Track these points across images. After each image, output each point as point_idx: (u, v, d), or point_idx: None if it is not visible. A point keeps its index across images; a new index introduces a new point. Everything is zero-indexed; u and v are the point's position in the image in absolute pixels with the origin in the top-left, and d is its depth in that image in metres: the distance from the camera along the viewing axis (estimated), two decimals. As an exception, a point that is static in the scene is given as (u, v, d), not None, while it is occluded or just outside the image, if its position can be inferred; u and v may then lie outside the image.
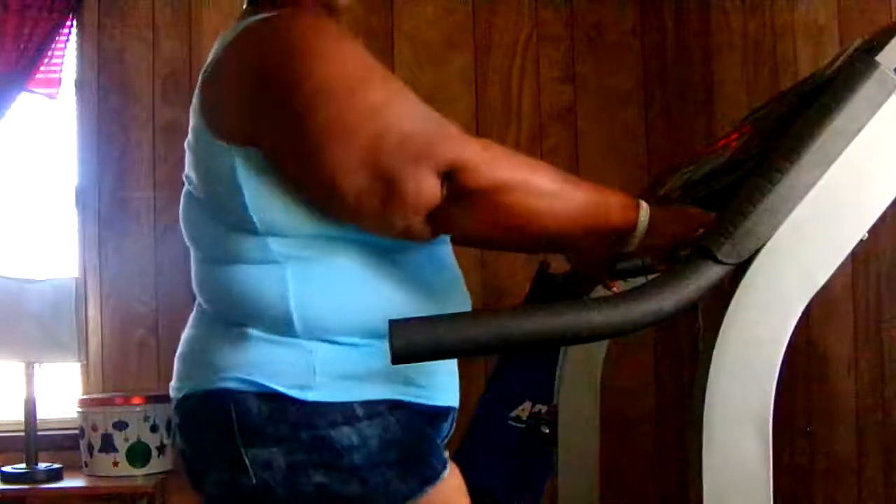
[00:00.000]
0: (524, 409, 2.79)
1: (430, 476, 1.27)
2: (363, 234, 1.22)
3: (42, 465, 2.96)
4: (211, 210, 1.28)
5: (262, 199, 1.21)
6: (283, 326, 1.23)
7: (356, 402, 1.23)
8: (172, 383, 1.34)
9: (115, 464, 2.94)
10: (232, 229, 1.25)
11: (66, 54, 3.25)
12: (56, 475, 2.94)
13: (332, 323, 1.23)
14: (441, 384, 1.32)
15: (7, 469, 2.95)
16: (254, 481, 1.22)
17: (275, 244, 1.23)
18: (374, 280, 1.25)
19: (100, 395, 3.11)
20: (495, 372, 2.94)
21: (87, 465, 2.99)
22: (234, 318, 1.26)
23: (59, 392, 3.25)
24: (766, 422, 1.10)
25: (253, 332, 1.24)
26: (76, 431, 3.02)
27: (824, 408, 2.69)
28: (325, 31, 1.20)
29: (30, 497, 2.90)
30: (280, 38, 1.20)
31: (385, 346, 1.21)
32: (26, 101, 3.24)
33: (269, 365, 1.22)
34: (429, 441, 1.30)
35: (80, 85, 3.31)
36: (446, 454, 1.32)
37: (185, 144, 1.31)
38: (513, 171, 1.16)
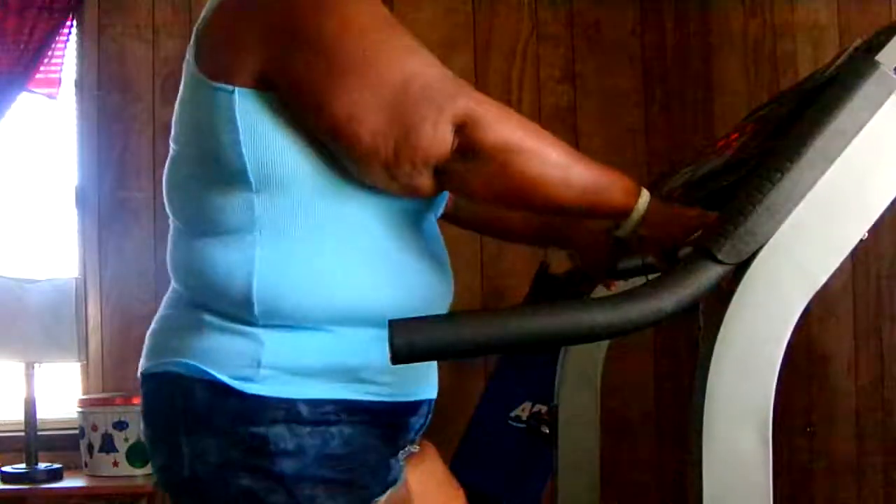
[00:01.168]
0: (524, 409, 2.79)
1: (364, 498, 1.23)
2: (353, 198, 1.20)
3: (42, 465, 2.96)
4: (197, 170, 1.25)
5: (259, 144, 1.18)
6: (240, 309, 1.20)
7: (301, 400, 1.19)
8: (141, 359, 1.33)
9: (115, 464, 2.94)
10: (217, 189, 1.21)
11: (66, 54, 3.25)
12: (56, 475, 2.94)
13: (293, 302, 1.19)
14: (407, 378, 1.26)
15: (7, 469, 2.95)
16: (186, 472, 1.21)
17: (261, 203, 1.19)
18: (350, 261, 1.21)
19: (100, 395, 3.11)
20: (495, 372, 2.94)
21: (87, 465, 2.99)
22: (196, 297, 1.24)
23: (59, 392, 3.25)
24: (766, 422, 1.10)
25: (208, 318, 1.22)
26: (76, 431, 3.02)
27: (824, 408, 2.70)
28: None
29: (30, 497, 2.90)
30: None
31: (351, 336, 1.20)
32: (26, 101, 3.24)
33: (216, 353, 1.20)
34: (371, 461, 1.24)
35: (80, 85, 3.31)
36: (396, 469, 1.28)
37: (176, 105, 1.28)
38: (526, 134, 1.16)
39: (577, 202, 1.19)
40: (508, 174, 1.15)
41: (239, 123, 1.18)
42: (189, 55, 1.25)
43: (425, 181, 1.17)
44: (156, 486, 2.86)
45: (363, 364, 1.21)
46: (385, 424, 1.26)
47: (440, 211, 1.36)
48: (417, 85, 1.14)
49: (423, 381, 1.31)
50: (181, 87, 1.27)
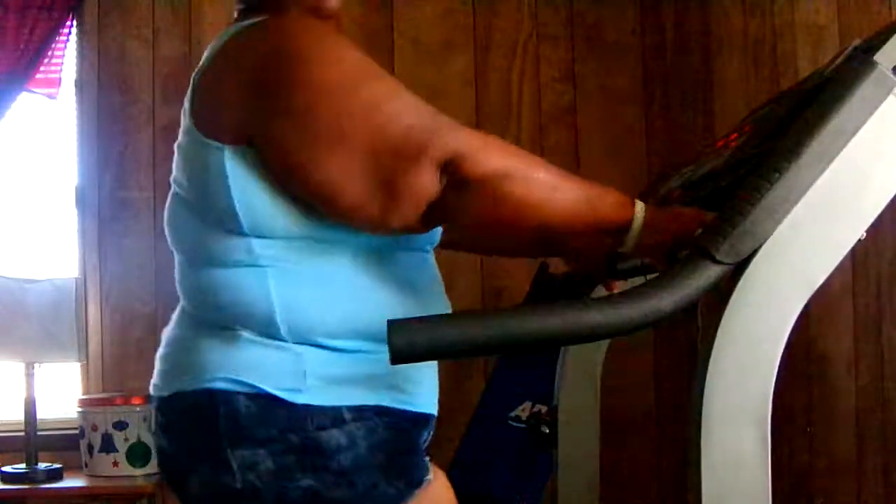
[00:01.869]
0: (524, 409, 2.79)
1: (417, 479, 1.27)
2: (349, 235, 1.23)
3: (42, 465, 2.95)
4: (197, 211, 1.28)
5: (250, 198, 1.21)
6: (269, 329, 1.22)
7: (344, 407, 1.23)
8: (155, 381, 1.34)
9: (115, 464, 2.94)
10: (217, 231, 1.24)
11: (66, 54, 3.25)
12: (56, 475, 2.94)
13: (317, 327, 1.23)
14: (424, 392, 1.32)
15: (7, 469, 2.95)
16: (239, 484, 1.22)
17: (259, 246, 1.22)
18: (357, 284, 1.25)
19: (100, 395, 3.11)
20: (495, 372, 2.94)
21: (87, 465, 2.99)
22: (221, 320, 1.26)
23: (59, 392, 3.25)
24: (765, 421, 1.10)
25: (243, 333, 1.24)
26: (76, 431, 3.02)
27: (824, 408, 2.70)
28: (315, 33, 1.21)
29: (30, 497, 2.90)
30: (272, 40, 1.21)
31: (372, 349, 1.23)
32: (26, 101, 3.24)
33: (260, 366, 1.22)
34: (414, 445, 1.30)
35: (80, 85, 3.31)
36: (428, 459, 1.32)
37: (175, 146, 1.31)
38: (512, 161, 1.17)
39: (571, 221, 1.20)
40: (500, 201, 1.16)
41: (230, 179, 1.21)
42: (186, 104, 1.27)
43: (418, 223, 1.18)
44: (157, 487, 2.88)
45: (391, 372, 1.23)
46: (411, 430, 1.30)
47: (434, 243, 1.37)
48: (390, 141, 1.14)
49: (433, 398, 1.35)
50: (181, 131, 1.30)
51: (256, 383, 1.21)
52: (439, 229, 1.36)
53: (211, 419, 1.23)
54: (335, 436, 1.21)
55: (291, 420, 1.21)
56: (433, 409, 1.35)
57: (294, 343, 1.23)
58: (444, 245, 1.42)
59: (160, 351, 1.36)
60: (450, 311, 1.35)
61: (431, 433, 1.37)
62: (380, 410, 1.25)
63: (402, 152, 1.13)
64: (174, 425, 1.31)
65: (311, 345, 1.23)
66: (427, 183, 1.13)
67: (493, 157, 1.15)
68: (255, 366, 1.22)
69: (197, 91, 1.26)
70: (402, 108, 1.17)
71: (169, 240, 1.34)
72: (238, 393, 1.22)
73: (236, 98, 1.20)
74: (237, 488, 1.22)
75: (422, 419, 1.32)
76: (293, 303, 1.22)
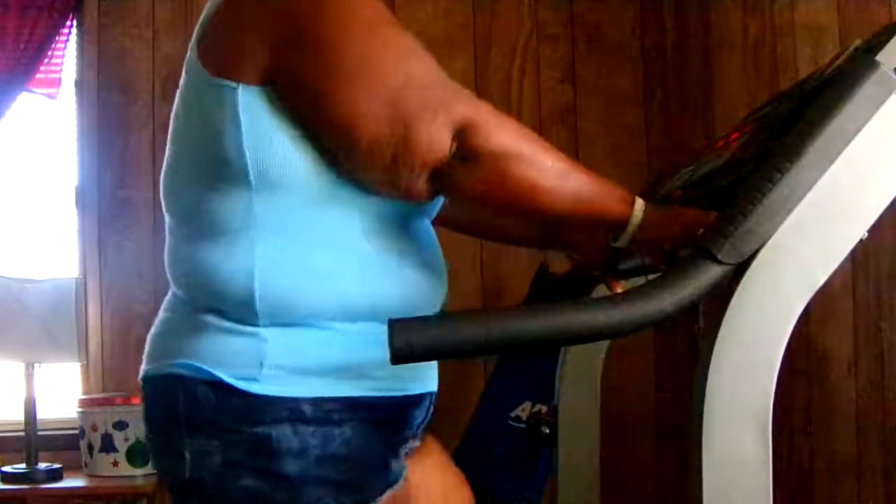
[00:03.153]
0: (524, 409, 2.79)
1: (371, 495, 1.25)
2: (356, 194, 1.20)
3: (42, 465, 2.96)
4: (195, 172, 1.25)
5: (261, 141, 1.18)
6: (242, 310, 1.20)
7: (304, 399, 1.19)
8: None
9: (115, 464, 2.94)
10: (216, 188, 1.21)
11: (66, 54, 3.25)
12: (56, 475, 2.94)
13: (293, 299, 1.20)
14: (408, 372, 1.26)
15: (7, 469, 2.95)
16: (187, 474, 1.21)
17: (260, 203, 1.19)
18: (345, 259, 1.22)
19: (100, 395, 3.11)
20: (495, 372, 2.94)
21: (87, 465, 2.99)
22: (198, 300, 1.24)
23: (59, 392, 3.25)
24: (766, 421, 1.10)
25: (210, 319, 1.22)
26: (76, 431, 3.02)
27: (824, 408, 2.69)
28: None
29: (30, 497, 2.90)
30: None
31: (352, 332, 1.20)
32: (26, 101, 3.24)
33: (219, 354, 1.20)
34: (372, 461, 1.25)
35: (80, 85, 3.31)
36: (398, 466, 1.28)
37: (175, 105, 1.28)
38: (523, 141, 1.17)
39: (572, 209, 1.20)
40: (505, 180, 1.15)
41: (242, 120, 1.18)
42: (191, 52, 1.25)
43: (423, 185, 1.17)
44: (157, 487, 2.87)
45: (362, 359, 1.22)
46: (386, 420, 1.27)
47: (434, 213, 1.36)
48: (416, 89, 1.14)
49: (422, 375, 1.32)
50: (181, 86, 1.27)
51: (213, 370, 1.19)
52: (438, 203, 1.34)
53: (172, 405, 1.22)
54: (287, 436, 1.18)
55: (246, 410, 1.18)
56: (424, 388, 1.31)
57: (264, 326, 1.20)
58: (441, 222, 1.40)
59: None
60: (442, 292, 1.33)
61: (429, 412, 1.34)
62: (348, 403, 1.21)
63: (420, 104, 1.13)
64: (147, 410, 1.30)
65: (282, 325, 1.20)
66: (438, 140, 1.13)
67: (505, 134, 1.15)
68: (214, 352, 1.20)
69: (206, 35, 1.23)
70: (429, 66, 1.18)
71: (165, 209, 1.32)
72: (198, 380, 1.20)
73: (259, 33, 1.17)
74: (186, 478, 1.22)
75: (407, 402, 1.29)
76: (275, 273, 1.19)
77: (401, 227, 1.27)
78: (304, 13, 1.16)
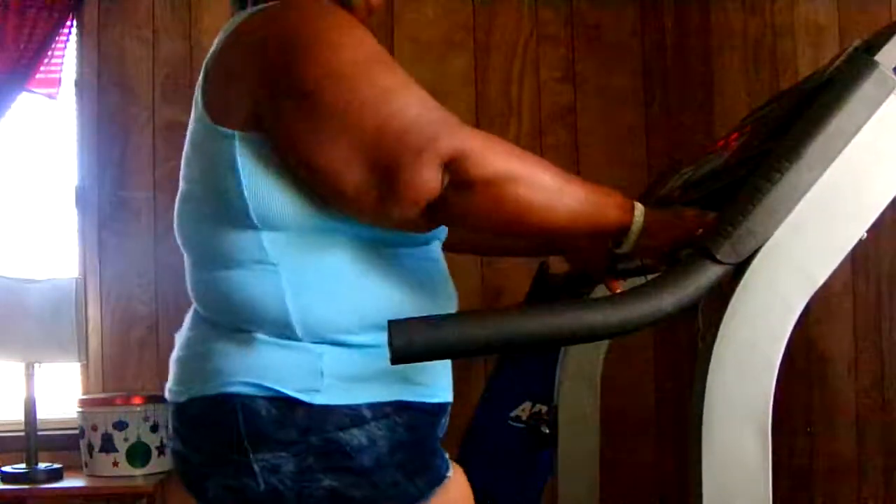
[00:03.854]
0: (524, 409, 2.79)
1: (437, 477, 1.28)
2: (359, 227, 1.22)
3: (42, 465, 2.95)
4: (205, 208, 1.27)
5: (259, 187, 1.20)
6: (284, 330, 1.22)
7: (363, 405, 1.23)
8: (170, 386, 1.32)
9: (115, 464, 2.94)
10: (226, 228, 1.24)
11: (66, 54, 3.24)
12: (56, 475, 2.94)
13: (331, 323, 1.23)
14: (438, 381, 1.32)
15: (7, 469, 2.95)
16: (261, 487, 1.22)
17: (269, 241, 1.22)
18: (368, 278, 1.24)
19: (100, 395, 3.11)
20: (495, 372, 2.94)
21: (87, 465, 2.99)
22: (235, 322, 1.26)
23: (59, 392, 3.25)
24: (765, 422, 1.10)
25: (258, 335, 1.23)
26: (76, 431, 3.02)
27: (824, 408, 2.69)
28: (330, 18, 1.20)
29: (30, 497, 2.90)
30: (285, 23, 1.20)
31: (384, 344, 1.22)
32: (26, 101, 3.24)
33: (277, 369, 1.22)
34: (433, 442, 1.30)
35: (80, 85, 3.31)
36: (447, 454, 1.33)
37: (187, 139, 1.30)
38: (515, 163, 1.16)
39: (572, 224, 1.20)
40: (503, 203, 1.15)
41: (239, 167, 1.20)
42: (197, 92, 1.27)
43: (419, 219, 1.17)
44: (157, 487, 2.88)
45: (405, 367, 1.21)
46: (429, 423, 1.31)
47: (442, 239, 1.37)
48: (397, 130, 1.13)
49: (449, 386, 1.35)
50: (190, 123, 1.29)
51: (274, 386, 1.21)
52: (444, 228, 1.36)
53: (230, 424, 1.22)
54: (356, 435, 1.22)
55: (311, 421, 1.21)
56: (448, 397, 1.35)
57: (310, 343, 1.22)
58: (444, 247, 1.42)
59: (174, 354, 1.35)
60: (455, 300, 1.35)
61: (447, 421, 1.37)
62: (399, 406, 1.25)
63: (405, 144, 1.12)
64: (192, 430, 1.30)
65: (327, 343, 1.23)
66: (428, 179, 1.12)
67: (497, 158, 1.14)
68: (272, 368, 1.22)
69: (208, 77, 1.26)
70: (411, 101, 1.16)
71: (178, 240, 1.34)
72: (257, 397, 1.21)
73: (247, 81, 1.20)
74: (260, 491, 1.22)
75: (438, 409, 1.32)
76: (306, 301, 1.22)
77: (411, 245, 1.29)
78: (284, 62, 1.17)
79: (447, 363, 1.34)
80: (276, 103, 1.17)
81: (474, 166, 1.13)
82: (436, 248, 1.35)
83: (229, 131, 1.20)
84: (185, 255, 1.33)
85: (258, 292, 1.23)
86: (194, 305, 1.34)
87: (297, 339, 1.22)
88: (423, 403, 1.28)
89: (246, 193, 1.20)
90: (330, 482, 1.22)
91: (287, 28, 1.19)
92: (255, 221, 1.21)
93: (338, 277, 1.23)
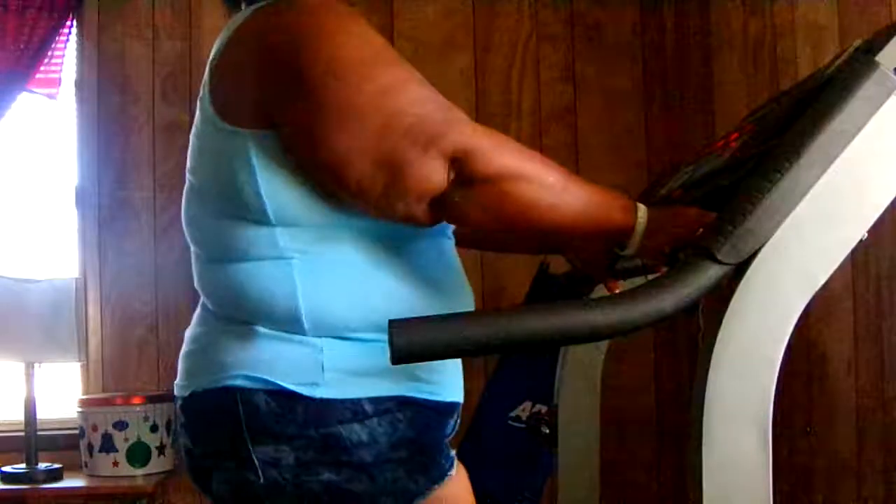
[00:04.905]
0: (524, 409, 2.80)
1: (438, 474, 1.28)
2: (372, 222, 1.22)
3: (42, 465, 2.95)
4: (217, 204, 1.27)
5: (275, 185, 1.20)
6: (291, 324, 1.22)
7: (365, 399, 1.22)
8: (178, 381, 1.33)
9: (115, 464, 2.94)
10: (239, 223, 1.24)
11: (66, 54, 3.24)
12: (56, 475, 2.94)
13: (340, 319, 1.22)
14: (448, 380, 1.31)
15: (7, 469, 2.95)
16: (261, 479, 1.22)
17: (284, 237, 1.22)
18: (381, 274, 1.24)
19: (100, 395, 3.11)
20: (495, 372, 2.95)
21: (87, 465, 2.99)
22: (241, 316, 1.26)
23: (59, 392, 3.25)
24: (766, 422, 1.10)
25: (261, 329, 1.24)
26: (76, 431, 3.02)
27: (824, 408, 2.69)
28: (336, 12, 1.20)
29: (30, 497, 2.90)
30: (292, 19, 1.20)
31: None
32: (26, 101, 3.24)
33: (278, 362, 1.22)
34: (436, 439, 1.30)
35: (80, 85, 3.31)
36: (453, 452, 1.32)
37: (192, 137, 1.30)
38: (521, 161, 1.16)
39: (576, 224, 1.20)
40: (507, 201, 1.15)
41: (255, 165, 1.20)
42: (203, 92, 1.26)
43: (423, 214, 1.17)
44: (158, 487, 2.87)
45: (413, 367, 1.23)
46: (435, 420, 1.30)
47: (451, 229, 1.37)
48: (403, 124, 1.13)
49: (458, 386, 1.35)
50: (196, 123, 1.29)
51: (275, 379, 1.21)
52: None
53: (231, 417, 1.23)
54: (356, 430, 1.21)
55: (311, 415, 1.21)
56: (458, 397, 1.34)
57: (315, 336, 1.22)
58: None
59: (182, 350, 1.35)
60: (471, 297, 1.36)
61: (458, 421, 1.36)
62: (403, 401, 1.25)
63: (411, 139, 1.13)
64: (196, 424, 1.31)
65: (333, 337, 1.22)
66: (433, 173, 1.13)
67: (503, 156, 1.15)
68: (273, 362, 1.22)
69: (214, 78, 1.25)
70: (418, 97, 1.16)
71: (187, 235, 1.33)
72: (257, 390, 1.21)
73: (256, 79, 1.20)
74: (260, 484, 1.23)
75: (447, 408, 1.31)
76: (317, 295, 1.22)
77: (422, 247, 1.29)
78: (289, 59, 1.17)
79: (457, 362, 1.34)
80: (282, 100, 1.17)
81: (480, 163, 1.13)
82: (449, 245, 1.35)
83: (243, 130, 1.20)
84: (196, 251, 1.33)
85: (270, 284, 1.22)
86: (202, 301, 1.34)
87: (302, 333, 1.22)
88: (428, 401, 1.28)
89: (262, 192, 1.20)
90: (329, 476, 1.22)
91: (291, 25, 1.19)
92: (272, 218, 1.21)
93: (350, 272, 1.23)
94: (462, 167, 1.13)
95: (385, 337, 1.21)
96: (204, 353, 1.30)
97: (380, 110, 1.14)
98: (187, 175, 1.33)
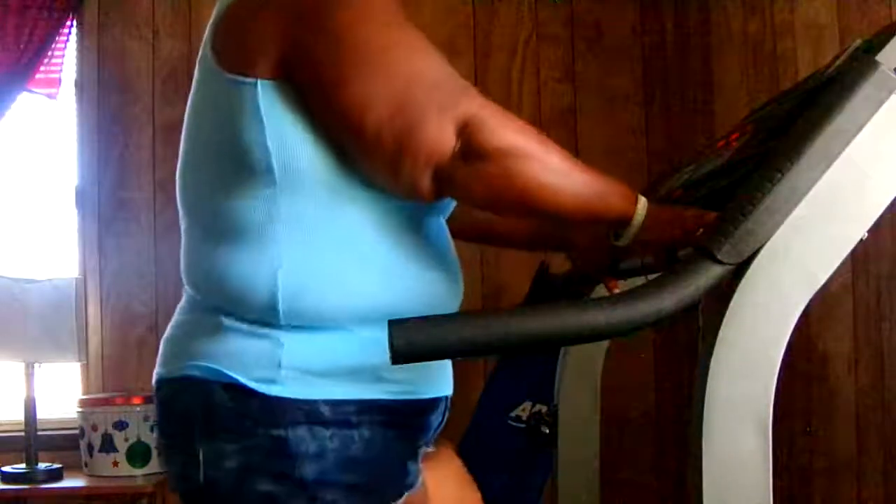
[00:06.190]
0: (524, 409, 2.79)
1: (389, 498, 1.24)
2: (374, 198, 1.20)
3: (42, 465, 2.96)
4: (217, 165, 1.24)
5: (282, 135, 1.18)
6: (265, 311, 1.19)
7: (322, 401, 1.18)
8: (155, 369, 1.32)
9: (115, 464, 2.94)
10: (239, 186, 1.20)
11: (66, 54, 3.25)
12: (56, 475, 2.95)
13: (316, 301, 1.19)
14: (425, 376, 1.27)
15: (7, 469, 2.95)
16: (202, 479, 1.20)
17: (284, 198, 1.19)
18: (369, 262, 1.22)
19: (100, 395, 3.11)
20: (495, 372, 2.94)
21: (87, 465, 2.99)
22: (216, 302, 1.23)
23: (59, 392, 3.25)
24: (766, 422, 1.10)
25: (226, 321, 1.21)
26: (76, 431, 3.02)
27: (824, 408, 2.70)
28: None
29: (30, 497, 2.90)
30: None
31: (370, 335, 1.19)
32: (26, 101, 3.24)
33: (237, 356, 1.19)
34: (391, 465, 1.25)
35: (80, 85, 3.31)
36: (419, 465, 1.28)
37: (190, 100, 1.28)
38: (528, 139, 1.16)
39: (577, 208, 1.19)
40: (510, 178, 1.14)
41: (263, 116, 1.18)
42: (205, 50, 1.25)
43: (427, 183, 1.16)
44: (158, 487, 2.87)
45: (381, 363, 1.18)
46: (404, 424, 1.26)
47: (448, 212, 1.36)
48: (425, 83, 1.15)
49: (440, 379, 1.31)
50: (194, 84, 1.28)
51: (233, 373, 1.18)
52: (451, 204, 1.34)
53: (187, 408, 1.21)
54: (305, 440, 1.17)
55: (263, 413, 1.17)
56: (442, 391, 1.31)
57: (283, 328, 1.19)
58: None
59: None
60: (460, 294, 1.34)
61: (445, 416, 1.33)
62: (365, 406, 1.21)
63: (427, 98, 1.13)
64: (159, 412, 1.29)
65: (302, 328, 1.19)
66: (442, 136, 1.13)
67: (510, 132, 1.15)
68: (233, 355, 1.19)
69: (222, 26, 1.23)
70: (439, 64, 1.18)
71: (180, 205, 1.30)
72: (214, 382, 1.19)
73: (274, 24, 1.17)
74: (199, 483, 1.20)
75: (426, 406, 1.28)
76: (300, 273, 1.19)
77: (417, 228, 1.27)
78: (317, 5, 1.17)
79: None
80: (308, 42, 1.16)
81: (489, 136, 1.13)
82: (445, 237, 1.33)
83: (250, 79, 1.18)
84: (186, 227, 1.30)
85: (250, 266, 1.20)
86: (185, 288, 1.32)
87: (269, 323, 1.19)
88: (397, 401, 1.24)
89: (269, 143, 1.18)
90: (268, 487, 1.18)
91: None
92: (276, 174, 1.18)
93: (340, 259, 1.20)
94: (469, 137, 1.13)
95: (361, 330, 1.19)
96: (174, 340, 1.29)
97: (408, 62, 1.16)
98: (182, 145, 1.29)
